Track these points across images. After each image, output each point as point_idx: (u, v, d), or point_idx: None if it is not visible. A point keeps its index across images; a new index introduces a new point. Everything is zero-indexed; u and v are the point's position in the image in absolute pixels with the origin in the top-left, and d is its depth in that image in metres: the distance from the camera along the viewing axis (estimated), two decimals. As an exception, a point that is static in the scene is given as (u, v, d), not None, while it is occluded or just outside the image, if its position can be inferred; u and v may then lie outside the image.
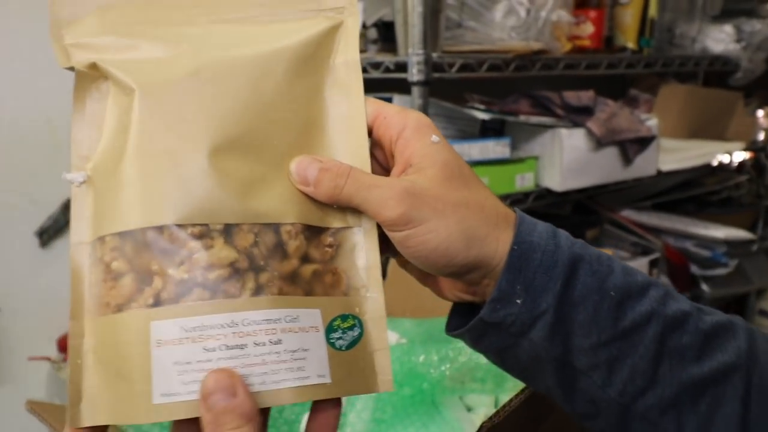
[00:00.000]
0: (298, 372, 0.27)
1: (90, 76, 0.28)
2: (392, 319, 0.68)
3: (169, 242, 0.27)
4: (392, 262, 0.54)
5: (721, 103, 1.40)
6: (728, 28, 1.28)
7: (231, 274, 0.27)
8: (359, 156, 0.31)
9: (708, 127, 1.37)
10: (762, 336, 0.34)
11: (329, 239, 0.31)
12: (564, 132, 0.95)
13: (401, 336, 0.61)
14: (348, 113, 0.32)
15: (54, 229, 1.06)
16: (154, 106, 0.28)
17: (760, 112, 1.63)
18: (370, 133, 0.33)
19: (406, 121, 0.32)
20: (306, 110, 0.31)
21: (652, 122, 1.07)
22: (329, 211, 0.30)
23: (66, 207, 1.04)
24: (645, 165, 1.08)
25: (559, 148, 0.96)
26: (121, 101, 0.28)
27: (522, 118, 0.95)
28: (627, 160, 1.03)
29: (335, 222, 0.31)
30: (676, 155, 1.21)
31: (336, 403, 0.29)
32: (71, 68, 0.29)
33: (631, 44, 1.17)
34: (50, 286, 1.05)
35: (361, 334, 0.30)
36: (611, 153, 1.01)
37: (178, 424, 0.27)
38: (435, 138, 0.32)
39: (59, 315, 1.01)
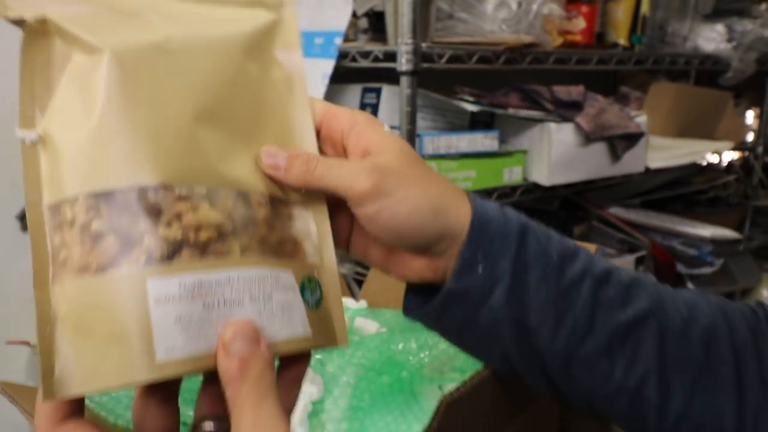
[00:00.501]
0: (288, 325, 0.28)
1: (39, 32, 0.27)
2: (373, 310, 0.67)
3: (156, 202, 0.26)
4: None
5: (711, 103, 1.41)
6: (720, 28, 1.29)
7: (218, 235, 0.27)
8: (308, 142, 0.33)
9: (697, 126, 1.38)
10: (663, 286, 0.40)
11: (287, 211, 0.32)
12: (553, 126, 0.95)
13: (381, 325, 0.61)
14: (296, 102, 0.33)
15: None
16: (129, 69, 0.27)
17: (750, 113, 1.63)
18: (318, 130, 0.34)
19: (356, 116, 0.34)
20: (260, 93, 0.32)
21: (641, 119, 1.07)
22: (286, 186, 0.32)
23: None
24: (633, 161, 1.08)
25: (547, 142, 0.96)
26: (82, 61, 0.27)
27: (511, 111, 0.95)
28: (615, 156, 1.03)
29: (292, 196, 0.32)
30: (664, 153, 1.22)
31: (308, 355, 0.30)
32: (16, 22, 0.27)
33: (622, 41, 1.17)
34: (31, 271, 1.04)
35: (321, 295, 0.32)
36: (599, 149, 1.01)
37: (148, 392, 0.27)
38: (387, 128, 0.34)
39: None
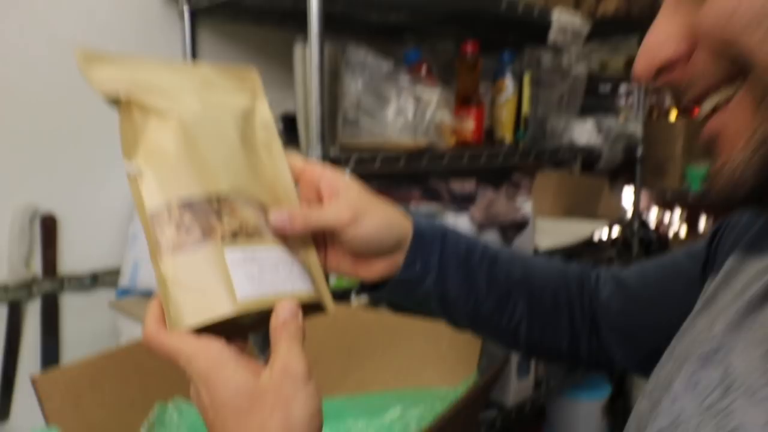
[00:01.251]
0: (304, 283, 0.44)
1: (126, 103, 0.43)
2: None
3: (218, 206, 0.42)
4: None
5: (590, 186, 1.60)
6: (590, 123, 1.49)
7: (255, 227, 0.43)
8: (290, 195, 0.48)
9: (580, 208, 1.56)
10: (531, 258, 0.59)
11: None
12: (450, 218, 1.07)
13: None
14: (277, 157, 0.48)
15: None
16: (188, 127, 0.43)
17: (624, 193, 1.85)
18: (299, 175, 0.49)
19: (324, 168, 0.49)
20: (254, 148, 0.47)
21: (527, 207, 1.21)
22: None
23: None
24: (523, 244, 1.22)
25: (446, 231, 1.08)
26: (156, 122, 0.43)
27: (413, 206, 1.06)
28: (507, 241, 1.16)
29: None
30: (552, 234, 1.37)
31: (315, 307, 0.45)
32: (113, 101, 0.43)
33: (508, 138, 1.33)
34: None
35: (313, 276, 0.46)
36: (492, 236, 1.14)
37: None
38: (347, 175, 0.50)
39: None
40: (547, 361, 1.24)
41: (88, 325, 1.15)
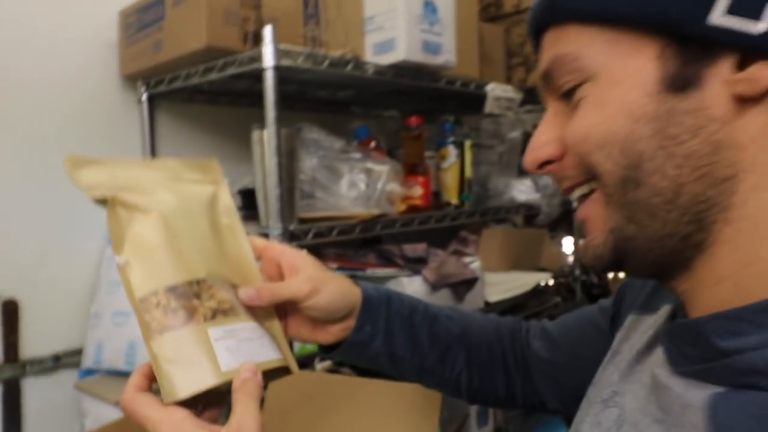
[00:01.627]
0: (274, 352, 0.50)
1: (111, 203, 0.48)
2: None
3: (198, 289, 0.48)
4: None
5: (533, 239, 1.71)
6: (528, 182, 1.61)
7: (230, 306, 0.49)
8: (253, 273, 0.54)
9: (525, 260, 1.66)
10: (469, 315, 0.67)
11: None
12: (405, 280, 1.14)
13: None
14: (241, 240, 0.55)
15: None
16: (167, 220, 0.49)
17: (565, 243, 1.98)
18: (260, 255, 0.56)
19: (283, 247, 0.57)
20: (220, 232, 0.53)
21: (476, 265, 1.30)
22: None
23: None
24: (474, 299, 1.30)
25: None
26: (140, 217, 0.49)
27: (369, 271, 1.13)
28: (459, 298, 1.24)
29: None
30: (500, 287, 1.46)
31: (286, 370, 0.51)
32: (100, 201, 0.48)
33: (454, 200, 1.42)
34: None
35: (278, 342, 0.52)
36: (445, 294, 1.21)
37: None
38: (304, 252, 0.57)
39: None
40: (488, 406, 1.31)
41: (51, 408, 1.15)
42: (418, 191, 1.32)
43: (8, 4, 1.09)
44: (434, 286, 1.16)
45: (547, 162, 0.41)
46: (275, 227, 0.98)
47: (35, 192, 1.13)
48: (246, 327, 0.49)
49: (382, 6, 1.11)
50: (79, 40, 1.17)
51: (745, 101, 0.34)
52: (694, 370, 0.36)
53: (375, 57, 1.12)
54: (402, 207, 1.26)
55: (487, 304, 1.35)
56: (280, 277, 0.56)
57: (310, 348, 1.04)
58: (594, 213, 0.40)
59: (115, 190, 0.49)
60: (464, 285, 1.23)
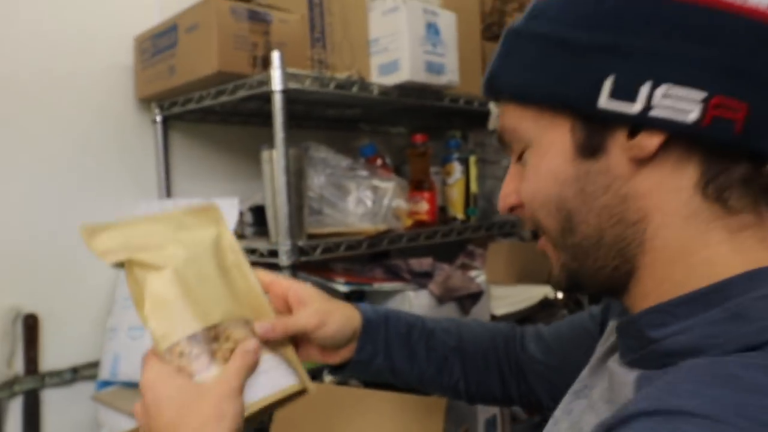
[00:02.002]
0: (291, 377, 0.56)
1: (128, 265, 0.52)
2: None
3: (216, 333, 0.52)
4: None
5: (540, 252, 1.72)
6: (533, 196, 1.63)
7: (245, 341, 0.54)
8: (263, 305, 0.58)
9: (531, 272, 1.68)
10: (463, 324, 0.74)
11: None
12: (411, 294, 1.17)
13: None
14: (249, 277, 0.59)
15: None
16: (180, 273, 0.53)
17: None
18: (268, 289, 0.60)
19: (289, 281, 0.63)
20: (228, 271, 0.58)
21: (481, 279, 1.32)
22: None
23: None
24: (480, 312, 1.32)
25: (408, 306, 1.17)
26: (155, 274, 0.52)
27: (376, 286, 1.16)
28: (465, 311, 1.26)
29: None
30: (507, 300, 1.48)
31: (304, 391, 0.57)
32: (118, 264, 0.52)
33: (460, 215, 1.45)
34: None
35: (295, 368, 0.58)
36: (451, 307, 1.24)
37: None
38: (310, 285, 0.63)
39: None
40: (487, 405, 1.35)
41: (69, 419, 1.19)
42: (424, 207, 1.35)
43: (31, 32, 1.14)
44: (440, 300, 1.19)
45: (512, 209, 0.50)
46: (284, 243, 1.01)
47: (55, 211, 1.17)
48: (264, 359, 0.54)
49: (386, 29, 1.15)
50: (97, 65, 1.23)
51: (640, 161, 0.42)
52: (634, 359, 0.44)
53: (380, 78, 1.16)
54: (408, 222, 1.29)
55: (494, 317, 1.38)
56: (288, 310, 0.62)
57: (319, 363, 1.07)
58: (549, 250, 0.49)
59: (129, 252, 0.54)
60: (470, 298, 1.25)
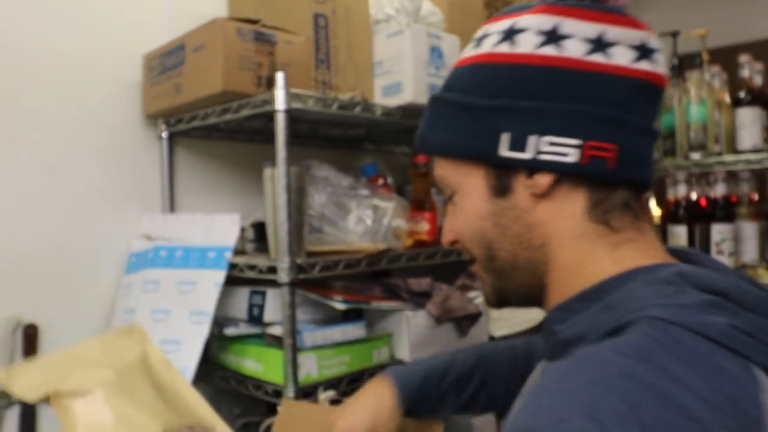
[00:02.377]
0: None
1: (55, 397, 0.51)
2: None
3: None
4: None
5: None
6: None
7: None
8: (204, 410, 0.60)
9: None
10: (486, 346, 0.87)
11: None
12: (409, 314, 1.17)
13: None
14: (179, 385, 0.60)
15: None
16: (111, 390, 0.52)
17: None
18: None
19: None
20: (160, 383, 0.58)
21: (480, 300, 1.32)
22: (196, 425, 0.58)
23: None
24: (478, 334, 1.32)
25: (406, 326, 1.18)
26: (79, 400, 0.52)
27: (374, 304, 1.16)
28: (462, 332, 1.26)
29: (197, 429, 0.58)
30: (507, 322, 1.47)
31: None
32: (45, 399, 0.52)
33: (460, 235, 1.46)
34: None
35: None
36: (448, 328, 1.24)
37: None
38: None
39: None
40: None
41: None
42: (424, 227, 1.36)
43: (44, 49, 1.17)
44: (438, 320, 1.19)
45: (452, 244, 0.61)
46: (283, 260, 1.02)
47: (58, 222, 1.19)
48: None
49: (390, 51, 1.17)
50: (107, 81, 1.25)
51: (539, 196, 0.53)
52: (549, 353, 0.53)
53: (383, 99, 1.18)
54: (409, 242, 1.30)
55: (492, 339, 1.37)
56: None
57: (314, 378, 1.07)
58: (480, 272, 0.60)
59: (51, 384, 0.54)
60: (468, 319, 1.26)
